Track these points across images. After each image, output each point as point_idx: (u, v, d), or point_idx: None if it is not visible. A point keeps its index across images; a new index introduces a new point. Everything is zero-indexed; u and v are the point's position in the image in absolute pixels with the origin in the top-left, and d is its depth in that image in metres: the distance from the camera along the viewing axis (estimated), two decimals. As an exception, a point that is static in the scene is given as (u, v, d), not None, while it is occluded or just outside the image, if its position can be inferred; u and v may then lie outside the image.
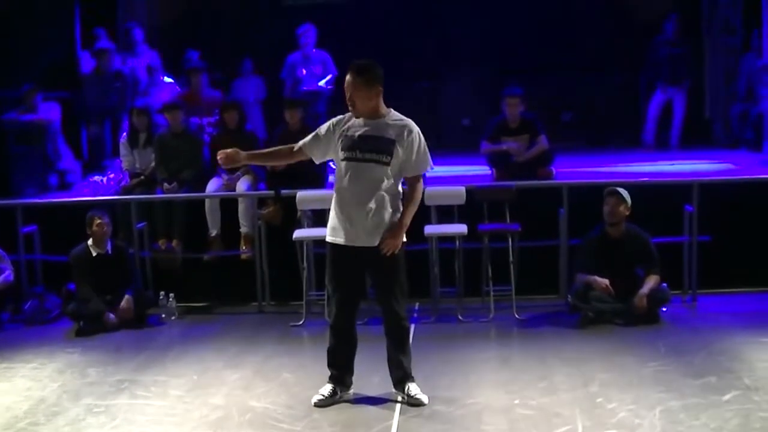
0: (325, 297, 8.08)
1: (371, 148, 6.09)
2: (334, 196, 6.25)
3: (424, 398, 6.28)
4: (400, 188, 6.24)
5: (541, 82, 13.11)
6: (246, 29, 13.88)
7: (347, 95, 6.14)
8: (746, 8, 12.87)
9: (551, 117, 12.00)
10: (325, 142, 6.25)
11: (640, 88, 13.62)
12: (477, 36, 13.82)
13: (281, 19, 13.13)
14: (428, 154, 6.24)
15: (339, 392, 6.37)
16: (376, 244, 6.14)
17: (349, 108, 6.19)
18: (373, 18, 13.85)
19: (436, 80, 14.42)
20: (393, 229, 6.13)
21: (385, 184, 6.12)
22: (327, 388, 6.37)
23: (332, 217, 6.28)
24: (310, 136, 6.34)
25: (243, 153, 6.34)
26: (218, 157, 6.31)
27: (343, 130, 6.18)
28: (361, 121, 6.16)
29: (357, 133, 6.14)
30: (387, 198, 6.13)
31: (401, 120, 6.19)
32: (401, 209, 6.19)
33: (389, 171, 6.12)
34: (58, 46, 12.20)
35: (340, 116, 6.30)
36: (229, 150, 6.32)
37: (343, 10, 13.80)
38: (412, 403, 6.25)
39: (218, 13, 14.34)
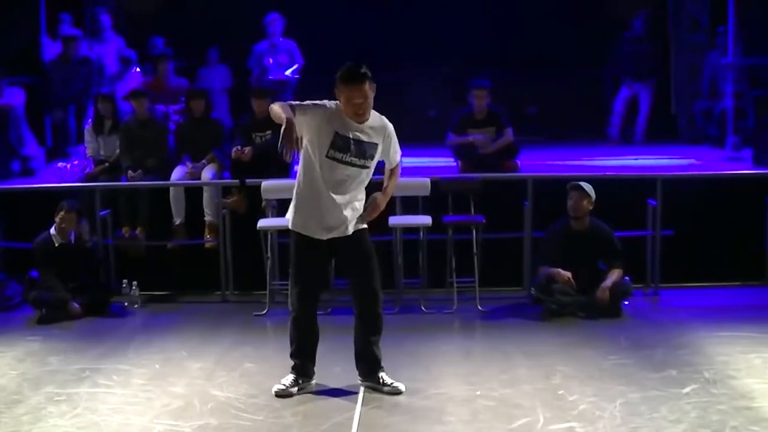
0: (289, 287, 7.99)
1: (362, 154, 6.03)
2: (304, 187, 6.12)
3: (401, 386, 6.29)
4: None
5: (507, 76, 13.10)
6: (212, 17, 13.79)
7: (362, 102, 5.89)
8: (713, 6, 12.97)
9: (517, 110, 12.01)
10: (315, 125, 5.94)
11: (606, 83, 13.69)
12: (443, 29, 13.81)
13: (248, 8, 13.05)
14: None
15: (301, 382, 6.34)
16: (348, 233, 6.13)
17: (356, 114, 5.94)
18: (339, 8, 13.80)
19: (402, 72, 14.37)
20: (373, 202, 6.20)
21: (362, 181, 6.15)
22: (289, 378, 6.34)
23: (299, 208, 6.16)
24: (308, 110, 5.92)
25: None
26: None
27: (337, 129, 5.96)
28: (352, 122, 6.01)
29: (351, 136, 5.99)
30: (358, 192, 6.17)
31: (380, 120, 6.15)
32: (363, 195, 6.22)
33: (370, 171, 6.15)
34: (22, 31, 12.10)
35: (331, 106, 6.00)
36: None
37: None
38: (393, 392, 6.24)
39: (184, 1, 14.26)
